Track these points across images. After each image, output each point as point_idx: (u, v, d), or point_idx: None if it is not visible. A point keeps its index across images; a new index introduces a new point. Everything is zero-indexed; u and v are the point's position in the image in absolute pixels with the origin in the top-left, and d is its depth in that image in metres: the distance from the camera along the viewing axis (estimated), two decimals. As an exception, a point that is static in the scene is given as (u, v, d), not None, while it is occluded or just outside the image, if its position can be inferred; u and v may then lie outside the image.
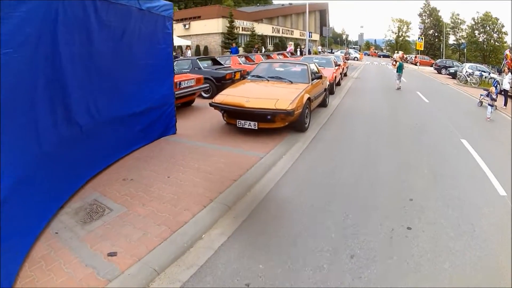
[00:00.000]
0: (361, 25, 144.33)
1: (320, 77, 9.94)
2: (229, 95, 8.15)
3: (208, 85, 11.88)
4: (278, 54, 25.76)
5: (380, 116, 11.37)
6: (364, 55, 70.79)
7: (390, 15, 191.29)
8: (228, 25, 43.30)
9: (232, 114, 7.98)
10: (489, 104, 12.07)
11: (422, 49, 51.03)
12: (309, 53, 36.87)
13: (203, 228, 4.16)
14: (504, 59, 15.37)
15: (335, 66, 16.83)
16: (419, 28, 62.50)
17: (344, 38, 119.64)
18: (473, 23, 68.28)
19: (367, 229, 4.32)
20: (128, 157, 6.44)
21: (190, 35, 44.33)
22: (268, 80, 9.31)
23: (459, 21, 72.60)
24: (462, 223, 4.56)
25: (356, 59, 55.17)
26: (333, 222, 4.47)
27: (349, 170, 6.32)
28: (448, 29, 72.03)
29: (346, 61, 24.42)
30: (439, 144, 8.45)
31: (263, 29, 52.40)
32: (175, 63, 14.55)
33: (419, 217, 4.66)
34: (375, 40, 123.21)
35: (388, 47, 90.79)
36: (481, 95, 14.98)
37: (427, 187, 5.73)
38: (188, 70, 13.44)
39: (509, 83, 15.04)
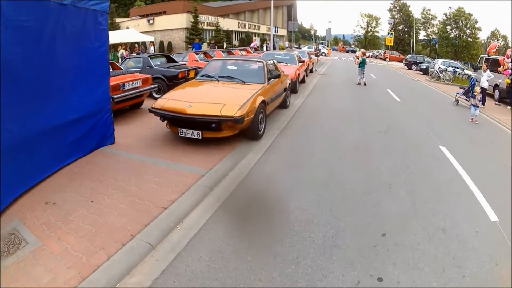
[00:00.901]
0: (329, 20, 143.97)
1: (279, 76, 8.95)
2: (171, 99, 7.08)
3: (156, 85, 10.77)
4: (241, 50, 24.65)
5: (347, 118, 10.47)
6: (332, 50, 70.65)
7: (359, 11, 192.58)
8: (193, 20, 41.97)
9: (173, 121, 6.96)
10: (472, 105, 11.29)
11: (392, 44, 51.04)
12: (274, 48, 35.91)
13: (116, 276, 3.35)
14: (508, 58, 14.67)
15: (299, 62, 15.87)
16: (389, 23, 62.59)
17: (312, 33, 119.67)
18: (445, 18, 69.38)
19: (324, 282, 3.36)
20: (59, 173, 5.60)
21: (154, 31, 42.65)
22: (218, 81, 8.28)
23: (430, 16, 73.57)
24: (447, 267, 3.62)
25: (323, 54, 54.73)
26: (280, 272, 3.48)
27: (306, 194, 5.20)
28: (419, 25, 72.96)
29: (316, 57, 23.50)
30: (415, 154, 7.47)
31: (229, 24, 51.26)
32: (126, 61, 13.70)
33: (393, 262, 3.65)
34: (343, 35, 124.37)
35: (356, 43, 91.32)
36: (457, 93, 14.43)
37: (404, 215, 4.70)
38: (140, 69, 12.33)
39: (487, 80, 14.46)
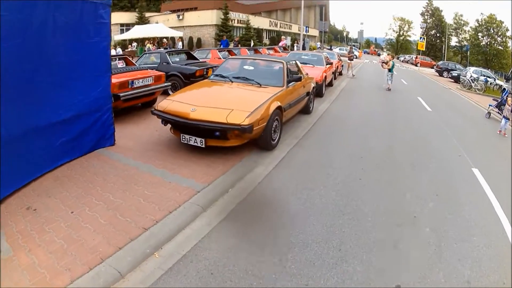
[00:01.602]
0: (361, 22, 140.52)
1: (300, 79, 8.06)
2: (176, 101, 6.42)
3: (170, 84, 10.15)
4: (268, 49, 23.92)
5: (373, 128, 9.51)
6: (364, 53, 69.05)
7: (392, 14, 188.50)
8: (223, 17, 41.41)
9: (175, 126, 6.32)
10: (504, 117, 10.42)
11: (424, 49, 49.23)
12: (304, 49, 34.89)
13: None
14: None
15: (327, 64, 14.85)
16: (421, 28, 60.59)
17: (344, 35, 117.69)
18: (477, 25, 66.23)
19: None
20: (48, 175, 5.21)
21: (183, 26, 42.40)
22: (232, 82, 7.52)
23: (462, 22, 70.79)
24: None
25: (355, 57, 53.25)
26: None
27: (312, 224, 4.32)
28: (451, 30, 69.83)
29: (350, 61, 22.11)
30: (446, 177, 6.46)
31: (260, 22, 50.27)
32: (144, 56, 13.16)
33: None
34: (375, 38, 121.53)
35: (388, 46, 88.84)
36: (490, 105, 13.31)
37: (426, 261, 3.78)
38: (157, 65, 11.82)
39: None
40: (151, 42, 33.38)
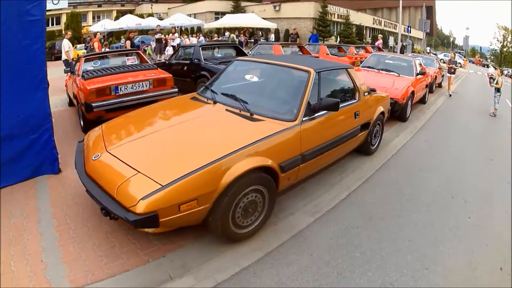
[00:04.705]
0: (467, 27, 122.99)
1: (335, 107, 4.09)
2: (105, 129, 4.05)
3: (176, 90, 7.19)
4: (357, 48, 19.05)
5: (463, 200, 5.24)
6: (469, 62, 59.76)
7: (497, 21, 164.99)
8: (321, 10, 37.00)
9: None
10: None
11: None
12: (402, 52, 29.23)
13: None
14: None
15: (418, 74, 10.03)
16: None
17: (451, 40, 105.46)
18: None
19: None
20: None
21: (280, 18, 39.02)
22: (215, 102, 4.40)
23: None
24: None
25: (460, 65, 45.36)
26: None
27: None
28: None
29: (450, 74, 15.05)
30: None
31: (363, 19, 44.79)
32: (180, 51, 10.70)
33: None
34: (480, 47, 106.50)
35: (492, 57, 76.14)
36: None
37: None
38: (188, 62, 9.38)
39: None
40: (243, 32, 30.96)
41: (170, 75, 7.28)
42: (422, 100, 11.62)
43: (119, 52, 10.03)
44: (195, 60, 9.11)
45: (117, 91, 6.29)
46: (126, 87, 6.39)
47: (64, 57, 12.18)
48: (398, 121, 8.61)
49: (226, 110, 4.14)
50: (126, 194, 2.85)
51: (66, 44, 12.30)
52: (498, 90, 11.72)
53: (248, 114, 3.93)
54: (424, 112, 10.60)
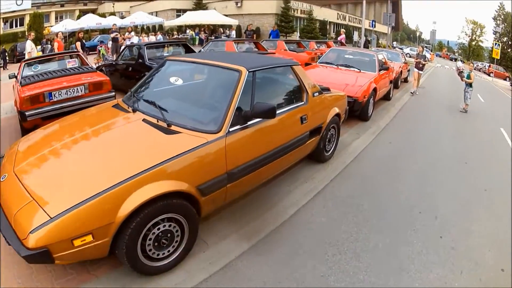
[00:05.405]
0: (434, 21, 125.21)
1: (271, 113, 3.36)
2: (13, 147, 3.47)
3: (113, 94, 6.64)
4: (318, 43, 18.54)
5: (433, 216, 4.64)
6: (436, 56, 60.80)
7: (465, 15, 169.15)
8: (283, 5, 36.44)
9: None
10: None
11: (498, 57, 40.49)
12: (366, 46, 29.00)
13: None
14: None
15: (381, 70, 9.26)
16: (493, 33, 50.87)
17: (417, 35, 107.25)
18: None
19: None
20: None
21: (242, 14, 37.91)
22: (134, 111, 3.70)
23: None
24: None
25: (427, 60, 45.75)
26: None
27: None
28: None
29: (418, 71, 13.75)
30: None
31: (327, 14, 44.43)
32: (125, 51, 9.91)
33: None
34: (447, 41, 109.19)
35: (460, 51, 78.12)
36: None
37: None
38: (133, 63, 8.75)
39: None
40: (203, 30, 30.22)
41: (107, 78, 6.79)
42: (387, 97, 11.00)
43: (60, 55, 9.25)
44: (140, 60, 8.40)
45: (51, 97, 5.90)
46: (60, 93, 5.97)
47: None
48: (359, 120, 7.89)
49: (143, 120, 3.37)
50: (20, 225, 2.47)
51: (29, 46, 12.23)
52: (470, 85, 11.22)
53: (165, 125, 3.21)
54: (388, 110, 9.93)
